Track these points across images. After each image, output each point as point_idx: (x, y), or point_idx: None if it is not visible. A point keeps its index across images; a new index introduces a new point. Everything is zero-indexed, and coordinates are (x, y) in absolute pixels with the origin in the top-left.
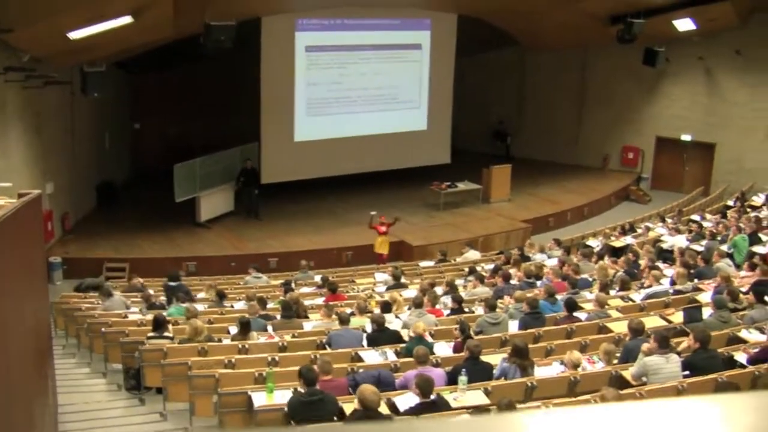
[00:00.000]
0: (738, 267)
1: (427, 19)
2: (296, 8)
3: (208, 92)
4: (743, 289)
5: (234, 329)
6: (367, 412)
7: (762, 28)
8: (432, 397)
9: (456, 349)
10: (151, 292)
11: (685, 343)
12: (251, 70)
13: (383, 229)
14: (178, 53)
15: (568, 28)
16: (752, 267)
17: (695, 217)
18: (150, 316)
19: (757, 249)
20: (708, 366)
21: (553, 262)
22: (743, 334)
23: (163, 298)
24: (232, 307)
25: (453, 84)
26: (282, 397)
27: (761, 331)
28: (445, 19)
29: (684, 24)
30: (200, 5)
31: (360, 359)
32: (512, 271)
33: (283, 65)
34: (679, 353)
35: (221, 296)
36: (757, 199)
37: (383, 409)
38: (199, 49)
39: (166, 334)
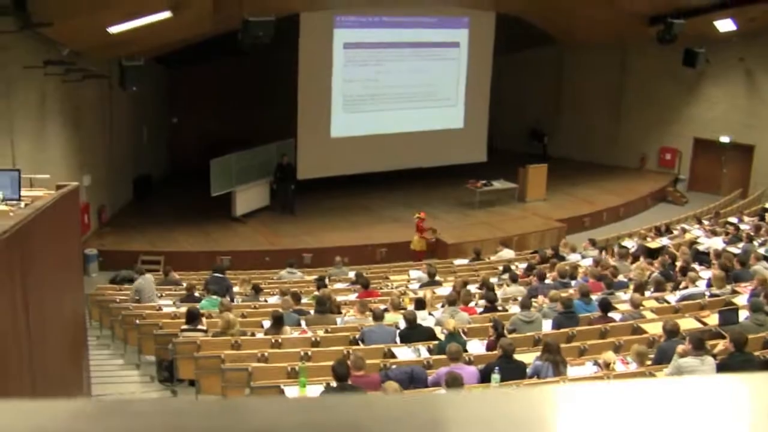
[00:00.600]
0: None
1: (466, 17)
2: (334, 5)
3: (246, 87)
4: None
5: (267, 323)
6: None
7: None
8: None
9: (489, 347)
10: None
11: (721, 345)
12: (289, 66)
13: (423, 226)
14: (216, 48)
15: (607, 27)
16: None
17: (732, 219)
18: (184, 309)
19: None
20: (744, 369)
21: (587, 262)
22: None
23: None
24: (266, 301)
25: (490, 82)
26: (314, 392)
27: None
28: (483, 17)
29: (724, 24)
30: (239, 1)
31: (393, 355)
32: (546, 270)
33: (320, 61)
34: (714, 356)
35: (257, 290)
36: None
37: None
38: (238, 45)
39: (199, 327)
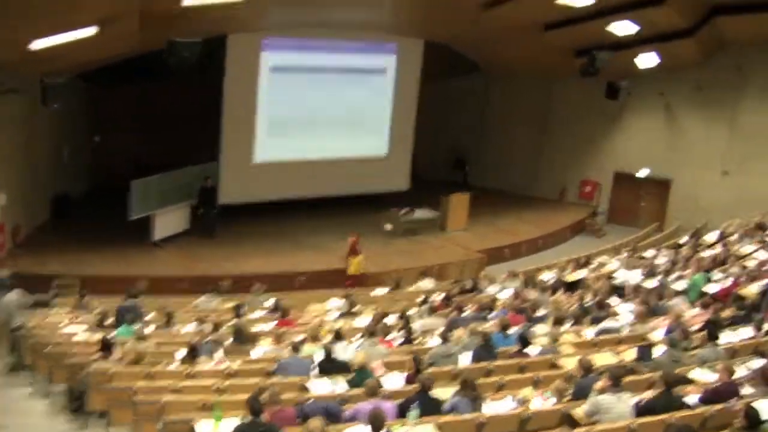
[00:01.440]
0: (690, 305)
1: (393, 44)
2: (263, 28)
3: (171, 108)
4: (694, 328)
5: (182, 353)
6: None
7: (722, 66)
8: (383, 430)
9: (408, 381)
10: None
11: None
12: (216, 87)
13: (358, 248)
14: (143, 67)
15: (533, 58)
16: (705, 306)
17: (649, 253)
18: (97, 336)
19: (709, 288)
20: (668, 410)
21: (506, 294)
22: (693, 374)
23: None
24: (180, 330)
25: (416, 110)
26: (228, 426)
27: (710, 370)
28: (411, 44)
29: (646, 60)
30: (167, 21)
31: (309, 389)
32: (466, 302)
33: (246, 84)
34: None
35: (170, 318)
36: (711, 237)
37: None
38: (165, 65)
39: (112, 356)
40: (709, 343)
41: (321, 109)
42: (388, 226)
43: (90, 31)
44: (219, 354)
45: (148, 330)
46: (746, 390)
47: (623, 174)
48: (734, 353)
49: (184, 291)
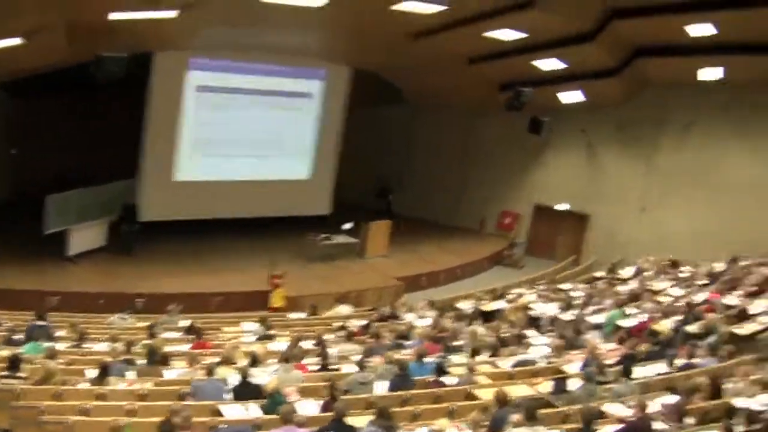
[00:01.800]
0: (606, 340)
1: (321, 69)
2: (191, 47)
3: (95, 123)
4: (610, 362)
5: (93, 372)
6: None
7: (643, 105)
8: None
9: (324, 409)
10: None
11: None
12: (140, 104)
13: (277, 281)
14: (67, 80)
15: (460, 90)
16: (620, 341)
17: (566, 286)
18: (4, 353)
19: (624, 322)
20: None
21: (423, 323)
22: (606, 407)
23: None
24: (92, 348)
25: (341, 136)
26: None
27: (623, 405)
28: (338, 70)
29: (569, 96)
30: (94, 34)
31: (222, 413)
32: (382, 329)
33: (171, 102)
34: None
35: (82, 336)
36: (626, 272)
37: None
38: (91, 78)
39: (19, 374)
40: (623, 377)
41: (245, 130)
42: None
43: (15, 41)
44: (131, 374)
45: (59, 347)
46: (658, 425)
47: (543, 207)
48: (647, 388)
49: (99, 308)
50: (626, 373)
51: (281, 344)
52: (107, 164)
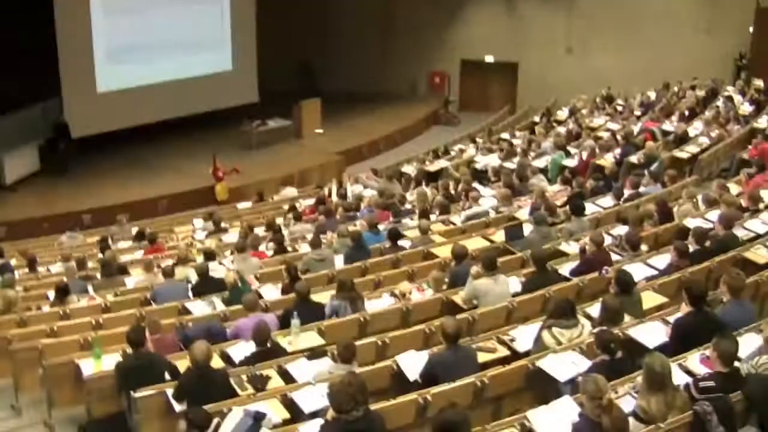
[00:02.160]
0: (551, 182)
1: None
2: None
3: (5, 46)
4: (558, 203)
5: (52, 295)
6: (199, 370)
7: None
8: (267, 344)
9: (284, 291)
10: None
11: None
12: (48, 21)
13: (220, 174)
14: None
15: None
16: (565, 181)
17: (505, 135)
18: None
19: (567, 162)
20: (546, 286)
21: (371, 193)
22: (563, 247)
23: None
24: (48, 270)
25: (256, 21)
26: (111, 361)
27: (578, 242)
28: None
29: None
30: None
31: (188, 312)
32: (332, 205)
33: (79, 12)
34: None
35: (32, 262)
36: (562, 114)
37: (217, 362)
38: None
39: None
40: (573, 216)
41: (159, 31)
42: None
43: None
44: (90, 290)
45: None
46: (615, 257)
47: (470, 62)
48: (598, 223)
49: (46, 232)
50: (576, 212)
51: (234, 236)
52: (26, 88)
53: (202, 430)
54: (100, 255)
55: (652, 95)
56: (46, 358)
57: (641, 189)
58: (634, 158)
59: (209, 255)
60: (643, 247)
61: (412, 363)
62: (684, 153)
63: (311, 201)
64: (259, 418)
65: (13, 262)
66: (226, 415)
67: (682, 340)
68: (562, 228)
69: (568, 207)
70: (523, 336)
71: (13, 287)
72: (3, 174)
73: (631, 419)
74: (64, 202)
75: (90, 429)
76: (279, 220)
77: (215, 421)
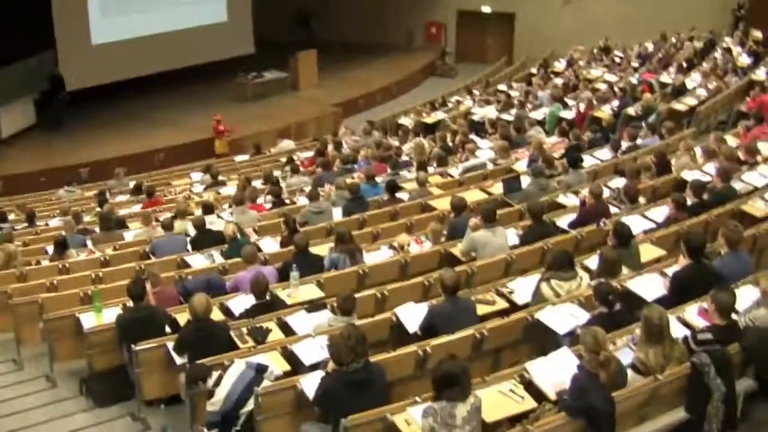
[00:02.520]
0: (548, 134)
1: None
2: None
3: None
4: (555, 155)
5: (52, 249)
6: (199, 323)
7: None
8: (267, 297)
9: (283, 244)
10: None
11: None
12: None
13: (221, 128)
14: None
15: None
16: (562, 133)
17: (502, 87)
18: None
19: (565, 114)
20: (543, 238)
21: (368, 144)
22: (561, 199)
23: None
24: (47, 225)
25: None
26: (111, 315)
27: (577, 195)
28: None
29: None
30: None
31: (187, 265)
32: (329, 157)
33: None
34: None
35: (30, 217)
36: (559, 65)
37: (217, 315)
38: None
39: None
40: (571, 168)
41: None
42: None
43: None
44: (89, 244)
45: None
46: (613, 209)
47: (466, 12)
48: (596, 175)
49: (43, 186)
50: (573, 164)
51: (232, 188)
52: (21, 41)
53: (201, 381)
54: (98, 209)
55: (650, 46)
56: (47, 312)
57: (639, 141)
58: (631, 110)
59: (207, 208)
60: (641, 200)
61: (412, 315)
62: (682, 105)
63: (308, 153)
64: (261, 370)
65: (11, 216)
66: (228, 368)
67: (680, 293)
68: (560, 180)
69: (565, 159)
70: (522, 288)
71: (12, 241)
72: None
73: (629, 371)
74: (60, 156)
75: (91, 382)
76: (276, 173)
77: (217, 373)
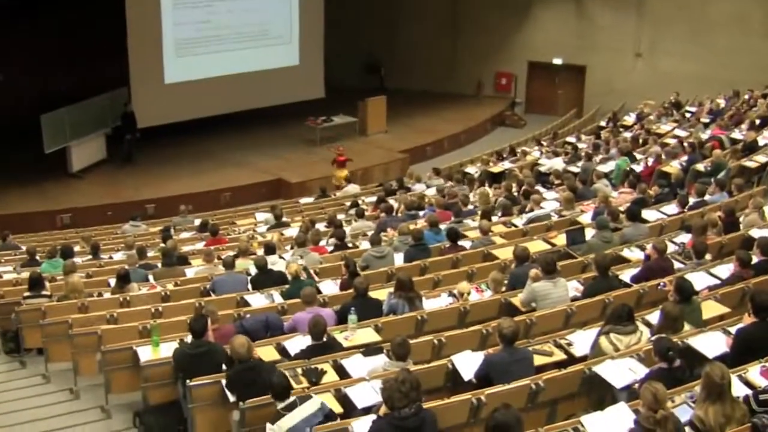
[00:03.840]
0: (615, 187)
1: None
2: None
3: (76, 38)
4: (621, 209)
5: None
6: (244, 363)
7: None
8: (324, 338)
9: (343, 287)
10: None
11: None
12: (118, 13)
13: (342, 158)
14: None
15: None
16: (631, 186)
17: (570, 139)
18: (25, 275)
19: (633, 167)
20: (607, 292)
21: (433, 192)
22: (625, 252)
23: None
24: (110, 258)
25: (324, 16)
26: (168, 349)
27: (641, 248)
28: None
29: None
30: None
31: (246, 303)
32: (394, 203)
33: (149, 5)
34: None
35: (95, 249)
36: (629, 119)
37: (273, 354)
38: None
39: (43, 292)
40: (630, 222)
41: (227, 23)
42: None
43: None
44: (150, 279)
45: (79, 261)
46: (677, 264)
47: (538, 63)
48: (662, 230)
49: (109, 220)
50: (632, 217)
51: (295, 230)
52: (96, 78)
53: (279, 399)
54: (162, 244)
55: (722, 102)
56: (105, 344)
57: (707, 197)
58: (700, 166)
59: (269, 248)
60: (707, 257)
61: (468, 363)
62: (752, 162)
63: (373, 198)
64: (329, 416)
65: (77, 248)
66: (305, 400)
67: (743, 351)
68: (624, 233)
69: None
70: (581, 340)
71: (75, 272)
72: (70, 161)
73: (687, 429)
74: (128, 191)
75: (145, 415)
76: (340, 216)
77: (292, 399)
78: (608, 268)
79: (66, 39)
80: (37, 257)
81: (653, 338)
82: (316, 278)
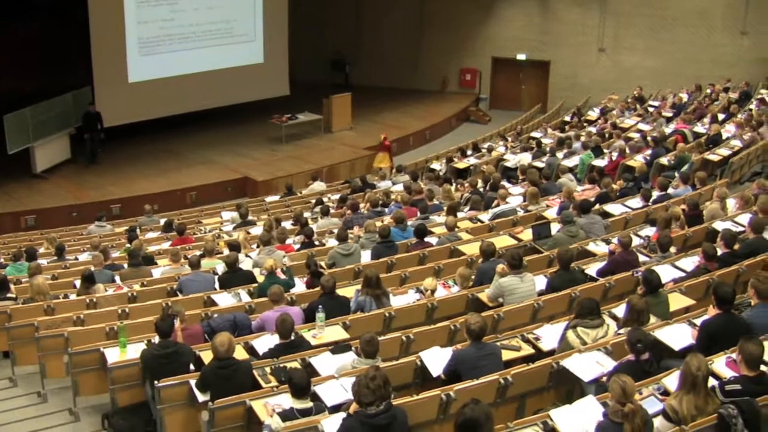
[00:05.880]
0: (580, 182)
1: None
2: None
3: (38, 40)
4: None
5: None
6: (221, 362)
7: None
8: (292, 337)
9: (308, 285)
10: None
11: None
12: (81, 13)
13: (387, 143)
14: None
15: None
16: (592, 181)
17: (537, 133)
18: None
19: (596, 162)
20: (569, 287)
21: (398, 189)
22: (591, 247)
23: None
24: (76, 259)
25: (288, 13)
26: (136, 350)
27: (606, 243)
28: None
29: None
30: None
31: (213, 303)
32: (359, 200)
33: (112, 4)
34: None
35: (60, 250)
36: (593, 114)
37: (241, 353)
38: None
39: (8, 295)
40: (601, 216)
41: (191, 22)
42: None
43: None
44: (116, 279)
45: (41, 263)
46: (642, 258)
47: (502, 59)
48: (626, 223)
49: (74, 220)
50: (584, 210)
51: (261, 228)
52: (60, 78)
53: (303, 393)
54: (128, 244)
55: (685, 97)
56: (72, 346)
57: (670, 191)
58: (664, 159)
59: (234, 247)
60: (672, 249)
61: (436, 359)
62: (715, 155)
63: (339, 196)
64: None
65: (41, 249)
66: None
67: (708, 343)
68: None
69: (595, 207)
70: (549, 335)
71: (40, 273)
72: (34, 162)
73: (659, 418)
74: (93, 191)
75: (114, 417)
76: (306, 214)
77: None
78: (571, 262)
79: (30, 40)
80: (1, 260)
81: (622, 331)
82: (283, 276)
